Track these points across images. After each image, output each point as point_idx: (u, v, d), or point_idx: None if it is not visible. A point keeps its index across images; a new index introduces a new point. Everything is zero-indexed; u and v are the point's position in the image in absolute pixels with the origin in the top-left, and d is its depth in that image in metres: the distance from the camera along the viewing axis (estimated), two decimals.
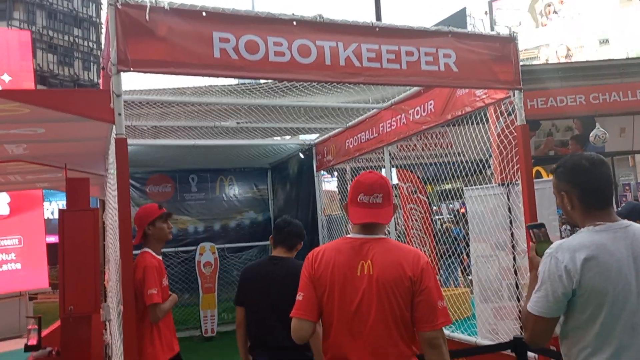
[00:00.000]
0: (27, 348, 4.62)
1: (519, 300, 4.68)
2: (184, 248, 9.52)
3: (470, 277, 8.88)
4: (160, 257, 3.80)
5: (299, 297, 2.25)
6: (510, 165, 4.65)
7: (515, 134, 4.48)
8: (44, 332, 5.08)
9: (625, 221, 2.03)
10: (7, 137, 4.15)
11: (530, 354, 3.75)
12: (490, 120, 4.93)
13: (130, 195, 3.40)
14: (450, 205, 13.76)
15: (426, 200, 8.95)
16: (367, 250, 2.20)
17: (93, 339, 4.28)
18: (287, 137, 8.73)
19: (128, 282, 3.29)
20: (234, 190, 10.20)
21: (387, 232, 7.04)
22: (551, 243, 2.08)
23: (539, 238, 2.21)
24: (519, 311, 4.70)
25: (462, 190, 5.95)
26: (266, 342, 3.19)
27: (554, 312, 1.93)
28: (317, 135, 8.37)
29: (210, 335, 9.01)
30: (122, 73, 3.32)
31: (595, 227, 1.99)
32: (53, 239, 11.88)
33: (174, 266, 9.46)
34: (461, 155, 5.72)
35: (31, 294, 10.57)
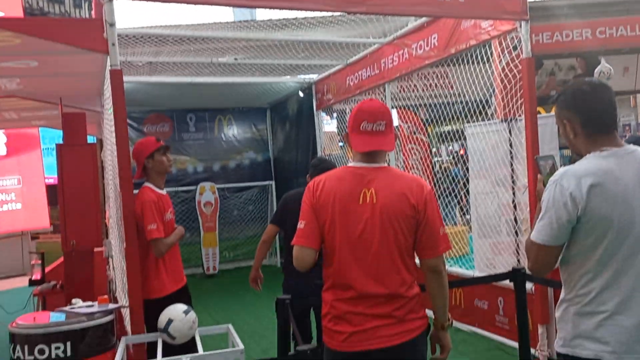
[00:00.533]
0: (32, 282, 4.70)
1: (517, 235, 4.73)
2: (183, 188, 9.54)
3: (467, 217, 8.96)
4: (162, 192, 3.74)
5: (300, 225, 2.24)
6: (514, 101, 4.58)
7: (520, 67, 4.39)
8: (47, 268, 5.15)
9: (631, 146, 1.97)
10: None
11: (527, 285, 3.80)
12: (494, 54, 4.82)
13: (127, 129, 3.35)
14: (450, 147, 13.73)
15: (426, 140, 8.90)
16: (369, 179, 2.18)
17: (96, 273, 4.35)
18: (287, 77, 8.56)
19: (129, 218, 3.30)
20: (233, 130, 10.12)
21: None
22: None
23: (546, 170, 2.17)
24: (517, 246, 4.76)
25: (461, 131, 5.89)
26: None
27: (558, 239, 1.91)
28: (317, 74, 8.21)
29: (212, 272, 9.18)
30: (114, 1, 3.20)
31: (601, 153, 1.93)
32: (52, 180, 11.88)
33: (174, 205, 9.47)
34: (462, 95, 5.64)
35: (33, 234, 10.69)
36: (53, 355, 2.95)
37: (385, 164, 2.26)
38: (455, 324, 5.44)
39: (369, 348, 2.09)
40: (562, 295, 2.01)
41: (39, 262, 4.74)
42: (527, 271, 3.90)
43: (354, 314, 2.12)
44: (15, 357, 3.00)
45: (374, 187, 2.16)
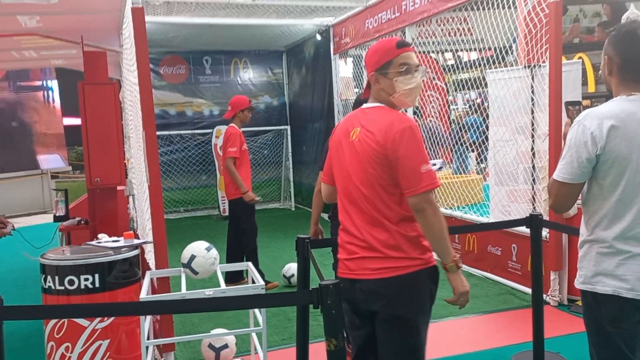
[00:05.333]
0: (56, 218, 4.82)
1: (534, 183, 4.74)
2: (200, 131, 9.59)
3: (483, 165, 8.95)
4: (241, 130, 5.31)
5: (326, 163, 2.46)
6: (538, 46, 4.48)
7: (546, 11, 4.27)
8: (70, 206, 5.26)
9: None
10: (18, 7, 4.02)
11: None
12: None
13: (149, 66, 3.35)
14: (466, 96, 13.52)
15: (444, 86, 8.78)
16: (360, 118, 2.23)
17: (119, 210, 4.45)
18: (305, 20, 8.39)
19: (153, 156, 3.35)
20: (249, 74, 10.04)
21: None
22: None
23: (574, 115, 2.23)
24: (534, 194, 4.78)
25: (480, 79, 5.79)
26: None
27: (577, 178, 1.96)
28: (334, 17, 8.04)
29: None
30: None
31: (628, 97, 1.97)
32: (70, 121, 11.98)
33: (191, 148, 9.60)
34: (482, 42, 5.51)
35: (52, 173, 10.89)
36: (82, 286, 3.07)
37: (380, 104, 2.23)
38: (468, 268, 5.55)
39: (355, 277, 2.17)
40: (584, 236, 2.07)
41: (62, 198, 4.85)
42: (545, 217, 3.95)
43: (348, 243, 2.22)
44: (46, 287, 3.13)
45: (359, 125, 2.21)
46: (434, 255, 2.18)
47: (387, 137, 2.09)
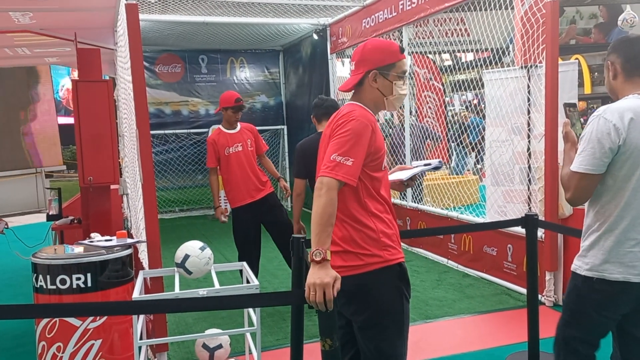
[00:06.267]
0: (49, 217, 4.78)
1: (530, 183, 4.73)
2: (196, 130, 9.55)
3: (479, 166, 8.96)
4: (229, 131, 4.84)
5: None
6: (535, 46, 4.47)
7: (543, 11, 4.26)
8: (63, 205, 5.23)
9: None
10: (11, 2, 3.98)
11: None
12: None
13: (143, 64, 3.32)
14: (463, 97, 13.55)
15: (441, 87, 8.78)
16: None
17: (112, 209, 4.42)
18: (302, 19, 8.37)
19: (146, 156, 3.32)
20: (245, 73, 10.01)
21: (399, 119, 6.96)
22: (581, 122, 2.25)
23: (573, 116, 2.36)
24: (529, 194, 4.77)
25: (476, 80, 5.79)
26: None
27: (599, 168, 2.05)
28: (331, 17, 8.02)
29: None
30: None
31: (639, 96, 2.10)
32: (64, 120, 11.92)
33: (186, 148, 9.57)
34: (479, 43, 5.50)
35: (47, 172, 10.83)
36: (74, 286, 3.03)
37: (354, 102, 2.20)
38: (464, 268, 5.55)
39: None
40: (592, 227, 2.16)
41: (56, 197, 4.81)
42: (540, 217, 3.95)
43: None
44: (37, 286, 3.09)
45: None
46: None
47: (332, 127, 2.10)
